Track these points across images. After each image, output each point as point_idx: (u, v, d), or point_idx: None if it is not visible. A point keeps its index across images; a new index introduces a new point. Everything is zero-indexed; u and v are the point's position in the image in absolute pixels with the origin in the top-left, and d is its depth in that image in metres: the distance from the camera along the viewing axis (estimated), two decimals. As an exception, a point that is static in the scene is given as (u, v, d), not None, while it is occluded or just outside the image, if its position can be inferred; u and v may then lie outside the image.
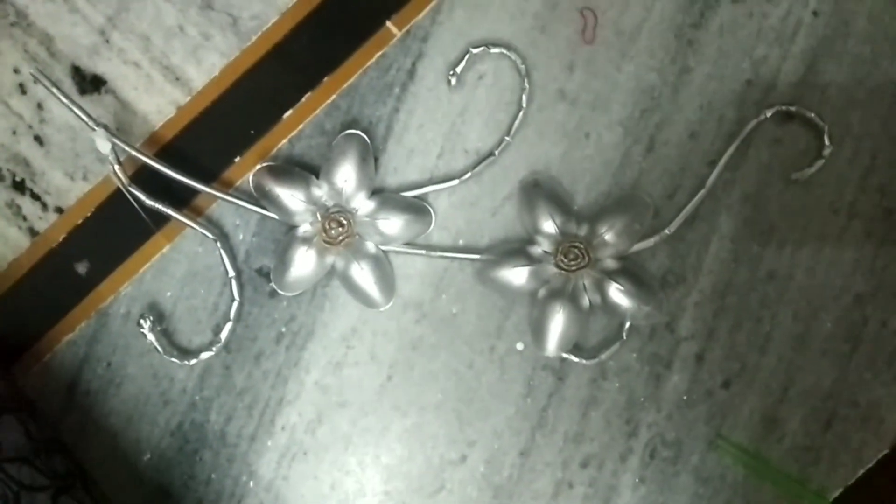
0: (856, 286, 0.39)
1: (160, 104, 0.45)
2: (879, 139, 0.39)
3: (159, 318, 0.43)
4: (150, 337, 0.42)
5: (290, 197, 0.41)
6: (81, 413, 0.43)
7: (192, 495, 0.42)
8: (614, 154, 0.41)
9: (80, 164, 0.44)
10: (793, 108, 0.39)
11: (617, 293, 0.38)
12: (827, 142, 0.38)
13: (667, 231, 0.39)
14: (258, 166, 0.42)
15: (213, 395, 0.43)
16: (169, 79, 0.45)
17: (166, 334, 0.43)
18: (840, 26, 0.40)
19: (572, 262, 0.38)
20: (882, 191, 0.39)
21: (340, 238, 0.40)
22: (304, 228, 0.41)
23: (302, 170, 0.42)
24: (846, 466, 0.38)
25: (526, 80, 0.41)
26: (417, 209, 0.41)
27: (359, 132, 0.41)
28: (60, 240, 0.44)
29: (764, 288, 0.39)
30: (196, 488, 0.42)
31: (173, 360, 0.42)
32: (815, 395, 0.39)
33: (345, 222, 0.40)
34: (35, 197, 0.45)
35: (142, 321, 0.42)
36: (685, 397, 0.39)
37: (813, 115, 0.39)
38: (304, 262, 0.41)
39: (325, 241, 0.40)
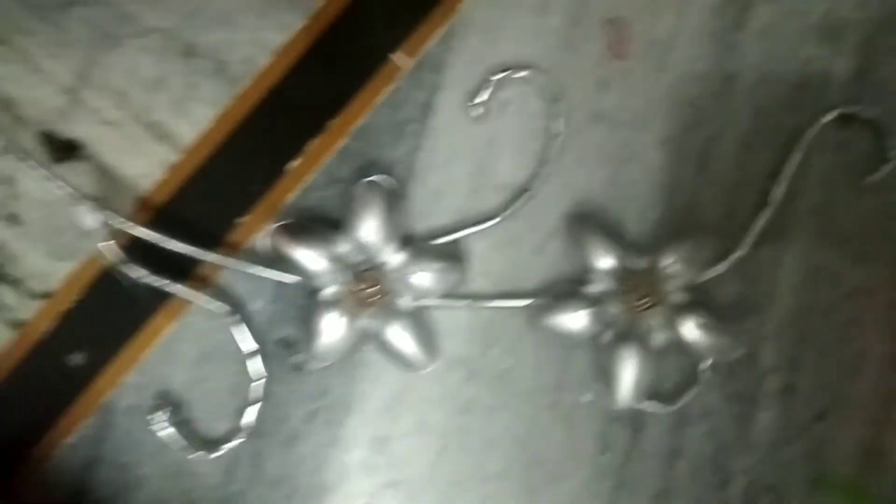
0: (945, 288, 0.35)
1: (147, 166, 0.40)
2: (948, 133, 0.36)
3: (173, 408, 0.38)
4: (166, 433, 0.36)
5: (312, 257, 0.36)
6: (91, 526, 0.38)
7: None
8: (663, 176, 0.37)
9: (63, 241, 0.39)
10: (853, 110, 0.36)
11: (690, 329, 0.34)
12: (893, 143, 0.35)
13: (738, 253, 0.35)
14: (273, 226, 0.37)
15: (244, 488, 0.37)
16: (154, 136, 0.40)
17: (184, 426, 0.37)
18: (889, 17, 0.37)
19: (640, 303, 0.34)
20: (959, 187, 0.36)
21: (372, 299, 0.36)
22: (331, 290, 0.36)
23: (321, 225, 0.37)
24: (961, 493, 0.35)
25: (556, 102, 0.37)
26: (453, 256, 0.37)
27: (382, 177, 0.37)
28: (49, 329, 0.39)
29: (847, 306, 0.36)
30: None
31: (195, 454, 0.36)
32: (917, 419, 0.35)
33: (376, 281, 0.36)
34: (15, 283, 0.39)
35: (152, 415, 0.37)
36: (777, 436, 0.35)
37: (876, 114, 0.35)
38: (333, 329, 0.36)
39: (356, 304, 0.36)
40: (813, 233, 0.36)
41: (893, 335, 0.35)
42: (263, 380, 0.37)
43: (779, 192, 0.36)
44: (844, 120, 0.36)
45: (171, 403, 0.38)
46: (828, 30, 0.37)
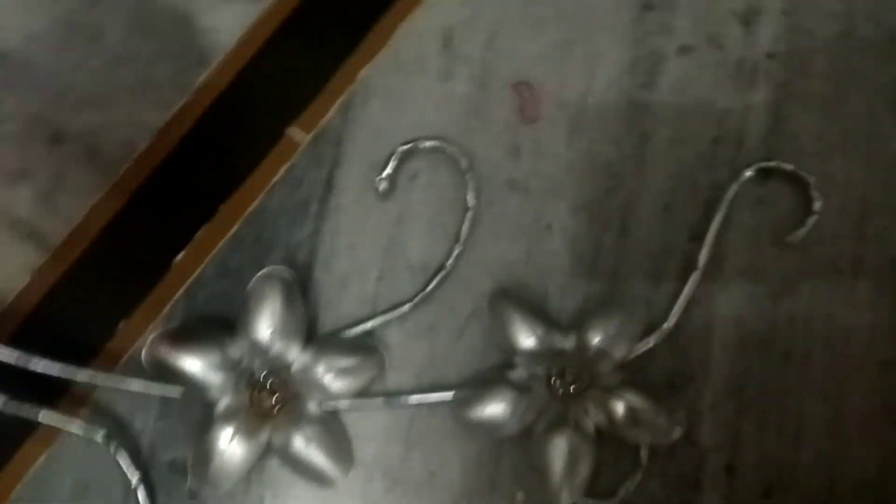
0: (880, 352, 0.34)
1: (9, 271, 0.35)
2: (865, 183, 0.35)
3: None
4: None
5: (201, 366, 0.32)
6: None
7: None
8: (584, 244, 0.35)
9: None
10: (773, 164, 0.34)
11: (625, 412, 0.32)
12: (815, 195, 0.34)
13: (668, 325, 0.33)
14: (150, 336, 0.33)
15: None
16: (18, 237, 0.35)
17: None
18: (799, 67, 0.36)
19: (572, 387, 0.32)
20: (883, 238, 0.35)
21: (276, 408, 0.32)
22: (225, 404, 0.32)
23: (212, 327, 0.33)
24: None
25: (469, 175, 0.35)
26: (365, 350, 0.34)
27: (279, 268, 0.33)
28: None
29: (782, 372, 0.34)
30: None
31: None
32: (866, 486, 0.33)
33: (279, 387, 0.32)
34: None
35: None
36: (725, 521, 0.33)
37: (794, 167, 0.34)
38: (230, 449, 0.31)
39: (256, 417, 0.32)
40: (741, 296, 0.34)
41: (829, 399, 0.34)
42: None
43: (703, 255, 0.34)
44: (763, 174, 0.35)
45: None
46: (740, 80, 0.36)
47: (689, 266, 0.34)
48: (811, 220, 0.34)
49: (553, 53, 0.36)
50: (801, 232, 0.34)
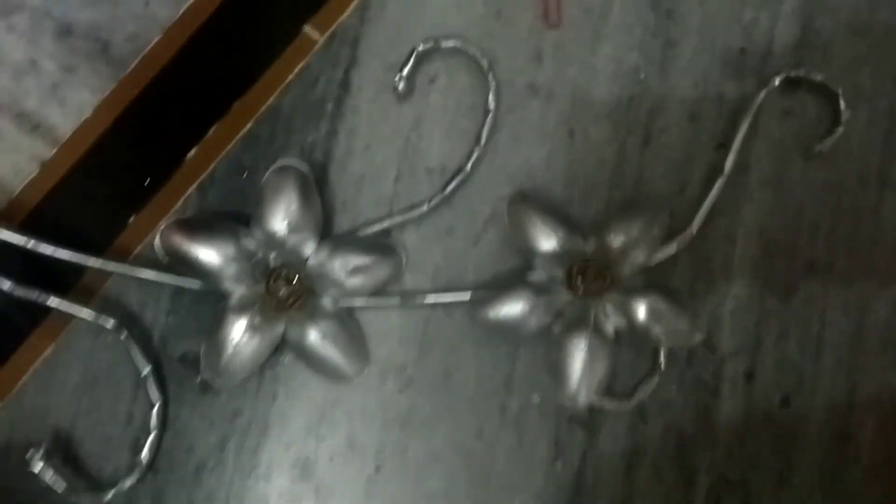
0: (904, 263, 0.34)
1: (17, 162, 0.34)
2: (893, 96, 0.35)
3: (55, 445, 0.32)
4: (46, 475, 0.30)
5: (215, 256, 0.31)
6: None
7: None
8: (607, 151, 0.34)
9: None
10: (801, 74, 0.34)
11: (646, 314, 0.31)
12: (843, 106, 0.33)
13: (691, 230, 0.32)
14: (163, 224, 0.32)
15: (144, 535, 0.32)
16: (24, 129, 0.35)
17: (67, 466, 0.31)
18: (828, -22, 0.35)
19: (592, 285, 0.31)
20: (910, 155, 0.34)
21: (290, 300, 0.31)
22: (239, 294, 0.31)
23: (226, 219, 0.32)
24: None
25: (491, 77, 0.34)
26: (381, 249, 0.33)
27: (294, 160, 0.32)
28: None
29: (805, 282, 0.33)
30: None
31: (82, 501, 0.31)
32: (884, 398, 0.33)
33: (294, 278, 0.31)
34: None
35: (30, 455, 0.30)
36: (741, 427, 0.33)
37: (823, 78, 0.34)
38: (244, 340, 0.31)
39: (270, 308, 0.31)
40: (766, 206, 0.34)
41: (852, 312, 0.33)
42: (159, 405, 0.31)
43: (730, 162, 0.33)
44: (791, 85, 0.34)
45: (51, 439, 0.32)
46: (767, -8, 0.35)
47: (713, 174, 0.33)
48: (839, 131, 0.34)
49: (579, -45, 0.35)
50: (829, 142, 0.34)
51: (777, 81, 0.34)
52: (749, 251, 0.34)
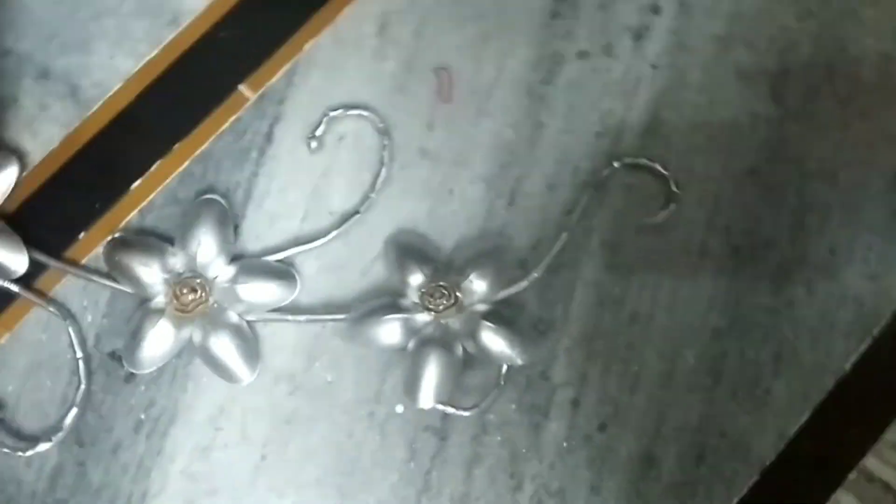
0: (713, 321, 0.41)
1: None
2: (721, 182, 0.42)
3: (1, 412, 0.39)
4: None
5: (144, 268, 0.38)
6: None
7: None
8: (478, 208, 0.41)
9: None
10: (640, 161, 0.41)
11: (489, 336, 0.38)
12: (674, 188, 0.40)
13: (535, 274, 0.39)
14: (109, 237, 0.39)
15: (67, 496, 0.39)
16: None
17: (4, 427, 0.38)
18: (677, 78, 0.42)
19: (439, 302, 0.38)
20: (728, 230, 0.41)
21: (193, 305, 0.38)
22: (158, 300, 0.38)
23: (157, 240, 0.39)
24: (721, 497, 0.39)
25: (385, 138, 0.41)
26: (281, 273, 0.40)
27: (215, 196, 0.39)
28: None
29: (629, 330, 0.40)
30: None
31: (5, 450, 0.37)
32: (686, 431, 0.40)
33: (197, 287, 0.38)
34: None
35: None
36: (565, 444, 0.39)
37: (657, 165, 0.41)
38: (157, 336, 0.38)
39: (178, 310, 0.38)
40: (602, 264, 0.41)
41: (665, 357, 0.40)
42: (83, 386, 0.38)
43: (574, 217, 0.40)
44: (634, 168, 0.41)
45: (-3, 411, 0.39)
46: (626, 85, 0.42)
47: (561, 234, 0.40)
48: (670, 208, 0.41)
49: (471, 45, 0.43)
50: (660, 216, 0.41)
51: (617, 164, 0.41)
52: (585, 300, 0.41)
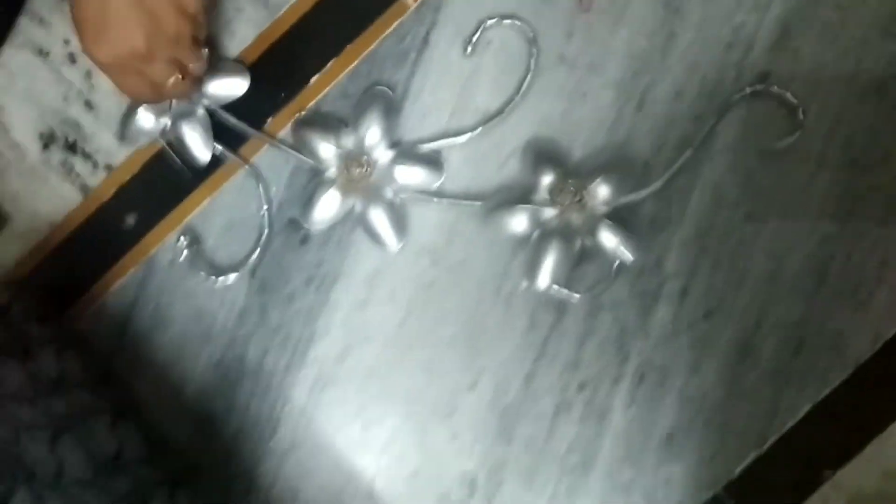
0: (824, 227, 0.43)
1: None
2: (845, 97, 0.43)
3: (197, 246, 0.48)
4: (186, 253, 0.47)
5: (324, 143, 0.46)
6: (132, 351, 0.48)
7: (234, 421, 0.47)
8: (608, 112, 0.46)
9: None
10: (771, 89, 0.43)
11: (606, 235, 0.43)
12: (801, 116, 0.43)
13: (656, 185, 0.43)
14: (296, 116, 0.47)
15: (251, 331, 0.48)
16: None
17: (202, 257, 0.48)
18: (809, -5, 0.44)
19: (564, 198, 0.43)
20: (847, 143, 0.43)
21: (359, 178, 0.45)
22: (330, 172, 0.46)
23: (332, 121, 0.47)
24: (813, 387, 0.43)
25: (533, 47, 0.46)
26: (431, 161, 0.46)
27: (383, 87, 0.46)
28: (110, 195, 0.49)
29: (741, 229, 0.44)
30: (236, 415, 0.47)
31: (202, 272, 0.47)
32: (785, 326, 0.43)
33: (364, 164, 0.45)
34: (86, 156, 0.49)
35: (181, 238, 0.47)
36: (671, 327, 0.44)
37: (788, 94, 0.43)
38: (328, 200, 0.46)
39: (346, 181, 0.45)
40: (723, 166, 0.44)
41: (774, 257, 0.43)
42: (266, 231, 0.47)
43: (699, 136, 0.43)
44: (763, 94, 0.44)
45: (193, 239, 0.48)
46: (758, 1, 0.44)
47: (684, 141, 0.44)
48: (795, 135, 0.43)
49: (614, -40, 0.46)
50: (785, 142, 0.43)
51: (749, 90, 0.43)
52: (702, 200, 0.44)
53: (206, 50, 0.44)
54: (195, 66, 0.43)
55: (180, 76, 0.42)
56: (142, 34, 0.39)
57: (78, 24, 0.39)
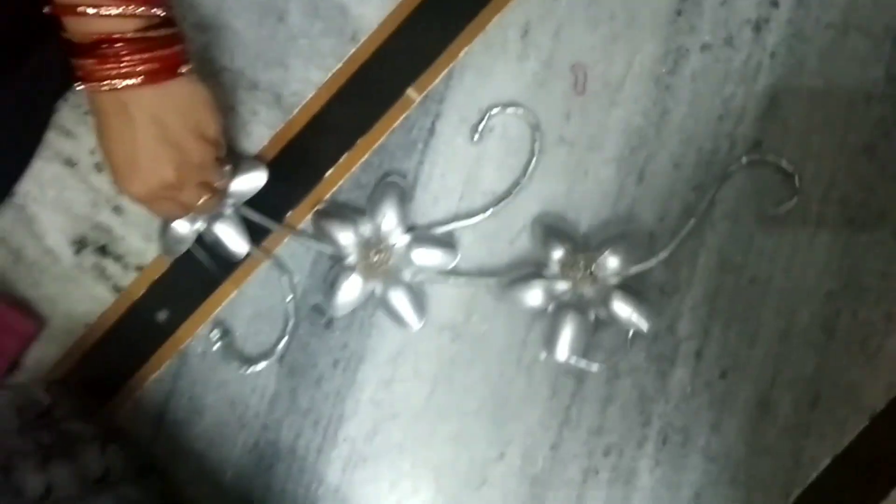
0: (827, 284, 0.45)
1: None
2: (837, 158, 0.46)
3: (228, 339, 0.50)
4: (219, 345, 0.49)
5: (343, 232, 0.48)
6: (170, 441, 0.50)
7: (270, 505, 0.49)
8: (611, 187, 0.48)
9: (155, 227, 0.52)
10: (767, 158, 0.46)
11: (619, 305, 0.45)
12: (797, 183, 0.45)
13: (662, 254, 0.46)
14: (317, 207, 0.50)
15: (283, 416, 0.50)
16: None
17: (231, 349, 0.50)
18: (795, 65, 0.47)
19: (576, 272, 0.45)
20: (843, 202, 0.45)
21: (379, 264, 0.48)
22: (351, 259, 0.49)
23: (350, 211, 0.49)
24: (832, 438, 0.44)
25: (536, 132, 0.48)
26: (445, 242, 0.49)
27: (396, 178, 0.49)
28: (142, 293, 0.51)
29: (748, 291, 0.46)
30: (273, 498, 0.49)
31: (233, 362, 0.49)
32: (800, 380, 0.45)
33: (382, 250, 0.48)
34: (117, 258, 0.52)
35: (213, 331, 0.49)
36: (689, 388, 0.46)
37: (783, 161, 0.45)
38: (349, 286, 0.48)
39: (367, 267, 0.48)
40: (725, 232, 0.46)
41: (782, 315, 0.45)
42: (292, 320, 0.49)
43: (701, 206, 0.46)
44: (759, 162, 0.46)
45: (223, 334, 0.50)
46: (746, 73, 0.47)
47: (686, 209, 0.46)
48: (792, 202, 0.45)
49: (603, 44, 0.49)
50: (783, 208, 0.45)
51: (745, 160, 0.46)
52: (708, 265, 0.46)
53: (230, 167, 0.47)
54: (221, 183, 0.46)
55: (209, 195, 0.44)
56: (171, 167, 0.41)
57: (110, 166, 0.41)
